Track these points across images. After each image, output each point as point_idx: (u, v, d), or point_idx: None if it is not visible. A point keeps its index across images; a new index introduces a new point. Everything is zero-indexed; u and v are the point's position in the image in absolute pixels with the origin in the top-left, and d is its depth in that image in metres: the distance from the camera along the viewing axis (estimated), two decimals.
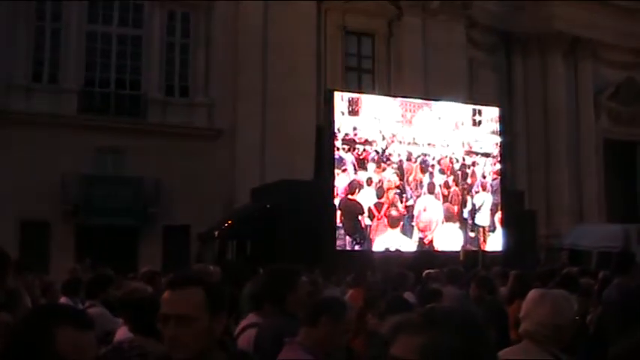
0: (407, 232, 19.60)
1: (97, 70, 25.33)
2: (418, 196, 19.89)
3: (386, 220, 19.31)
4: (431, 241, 19.91)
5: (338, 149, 18.95)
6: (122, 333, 4.86)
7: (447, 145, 20.51)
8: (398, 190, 19.61)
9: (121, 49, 25.66)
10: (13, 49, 23.90)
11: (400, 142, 19.80)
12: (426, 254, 18.85)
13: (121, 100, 25.33)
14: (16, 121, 23.25)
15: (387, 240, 19.19)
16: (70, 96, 24.62)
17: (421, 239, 19.75)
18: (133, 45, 25.84)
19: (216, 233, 21.74)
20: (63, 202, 23.54)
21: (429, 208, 19.97)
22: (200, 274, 3.07)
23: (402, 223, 19.53)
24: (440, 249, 19.81)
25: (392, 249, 18.95)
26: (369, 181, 19.19)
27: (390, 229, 19.33)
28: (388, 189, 19.42)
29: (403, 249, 19.14)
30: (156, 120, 25.35)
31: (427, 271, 11.14)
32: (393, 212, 19.46)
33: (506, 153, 22.73)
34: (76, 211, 23.71)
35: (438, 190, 20.16)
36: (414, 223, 19.68)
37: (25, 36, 24.44)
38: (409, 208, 19.68)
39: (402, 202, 19.62)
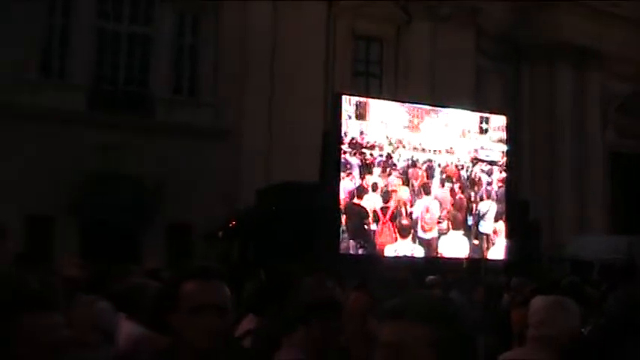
0: (414, 237, 19.59)
1: (107, 68, 25.37)
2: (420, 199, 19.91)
3: (396, 229, 19.27)
4: (434, 244, 19.87)
5: (344, 153, 18.93)
6: (128, 328, 4.85)
7: (454, 152, 20.48)
8: (403, 197, 19.58)
9: (131, 47, 25.69)
10: (23, 44, 23.90)
11: (407, 148, 19.78)
12: (432, 261, 18.86)
13: (130, 99, 25.35)
14: (24, 115, 23.26)
15: (398, 248, 19.20)
16: (79, 92, 24.65)
17: (423, 240, 19.70)
18: (142, 44, 25.88)
19: (220, 234, 21.74)
20: (69, 199, 23.52)
21: (431, 209, 19.96)
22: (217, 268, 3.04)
23: (412, 231, 19.52)
24: (445, 255, 19.81)
25: (400, 255, 18.99)
26: (375, 186, 19.17)
27: (400, 239, 19.32)
28: (393, 192, 19.40)
29: (413, 255, 19.19)
30: (163, 118, 25.36)
31: (429, 277, 11.15)
32: (404, 222, 19.44)
33: (512, 162, 22.68)
34: (81, 208, 23.70)
35: (437, 191, 20.12)
36: (418, 227, 19.66)
37: (35, 31, 24.42)
38: (412, 214, 19.66)
39: (406, 208, 19.59)
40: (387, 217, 19.22)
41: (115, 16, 25.63)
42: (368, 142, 19.22)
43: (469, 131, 20.87)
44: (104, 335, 5.75)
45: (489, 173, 21.02)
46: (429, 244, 19.79)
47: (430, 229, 19.85)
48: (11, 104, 23.23)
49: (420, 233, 19.70)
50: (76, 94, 24.58)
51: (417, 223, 19.67)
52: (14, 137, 22.82)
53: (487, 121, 21.37)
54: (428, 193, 19.97)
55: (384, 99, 21.91)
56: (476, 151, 20.87)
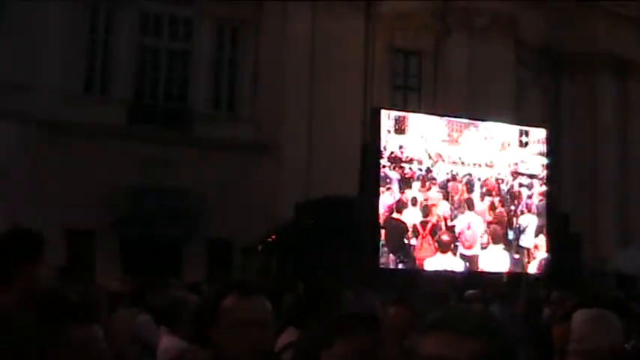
0: (454, 252, 19.49)
1: (147, 83, 25.66)
2: (461, 214, 19.78)
3: (436, 243, 19.18)
4: (475, 260, 19.74)
5: (383, 167, 18.90)
6: (167, 342, 4.88)
7: (493, 166, 20.35)
8: (443, 210, 19.49)
9: (171, 62, 25.97)
10: (65, 60, 24.24)
11: (446, 162, 19.70)
12: (471, 275, 18.74)
13: (169, 113, 25.57)
14: (66, 130, 23.54)
15: (438, 263, 19.09)
16: (120, 107, 24.93)
17: (465, 256, 19.59)
18: (182, 59, 26.14)
19: (260, 247, 21.78)
20: (109, 212, 23.74)
21: (472, 226, 19.83)
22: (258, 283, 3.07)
23: (452, 246, 19.42)
24: (485, 270, 19.67)
25: (440, 269, 18.90)
26: (414, 201, 19.11)
27: (439, 254, 19.22)
28: (432, 206, 19.33)
29: (452, 269, 19.08)
30: (202, 133, 25.51)
31: (469, 291, 11.08)
32: (444, 237, 19.34)
33: (553, 175, 22.48)
34: (122, 222, 23.90)
35: (478, 206, 20.00)
36: (458, 243, 19.56)
37: (78, 48, 24.79)
38: (453, 228, 19.55)
39: (446, 222, 19.49)
40: (427, 231, 19.14)
41: (155, 32, 25.95)
42: (407, 157, 19.19)
43: (509, 144, 20.74)
44: (144, 348, 5.80)
45: (530, 187, 20.87)
46: (469, 259, 19.66)
47: (471, 246, 19.73)
48: (54, 119, 23.52)
49: (462, 249, 19.59)
50: (117, 109, 24.86)
51: (457, 239, 19.56)
52: (56, 152, 23.09)
53: (527, 134, 21.25)
54: (471, 208, 19.85)
55: (422, 113, 21.86)
56: (516, 164, 20.74)
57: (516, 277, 19.73)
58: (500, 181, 20.38)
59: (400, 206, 18.95)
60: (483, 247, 19.88)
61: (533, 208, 20.88)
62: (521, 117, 26.16)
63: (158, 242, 23.67)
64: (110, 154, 23.49)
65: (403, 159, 19.16)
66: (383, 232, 18.68)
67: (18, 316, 1.72)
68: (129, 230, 23.94)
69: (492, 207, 20.17)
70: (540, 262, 20.73)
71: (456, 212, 19.69)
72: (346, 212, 18.49)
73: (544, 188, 21.20)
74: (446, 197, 19.59)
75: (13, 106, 22.99)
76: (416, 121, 19.83)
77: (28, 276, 3.18)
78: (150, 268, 16.95)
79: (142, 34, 25.76)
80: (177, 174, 24.24)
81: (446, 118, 20.68)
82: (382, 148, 18.98)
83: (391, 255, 18.75)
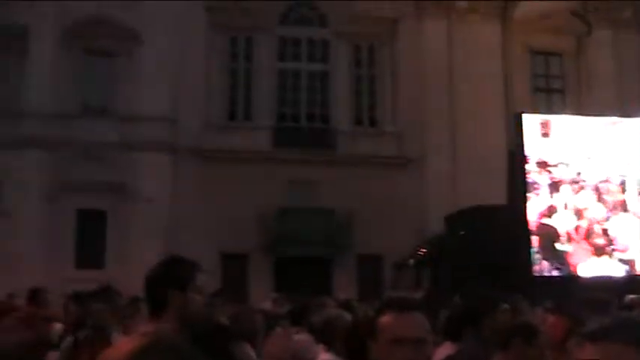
0: (611, 255, 18.77)
1: (289, 106, 26.18)
2: (615, 216, 19.04)
3: (591, 248, 18.55)
4: (634, 263, 18.95)
5: (530, 172, 18.49)
6: (324, 359, 4.93)
7: None
8: (596, 214, 18.84)
9: (310, 84, 26.39)
10: (209, 89, 25.07)
11: (596, 163, 19.05)
12: (631, 279, 18.00)
13: (313, 134, 25.95)
14: (214, 157, 24.32)
15: (593, 267, 18.44)
16: (264, 132, 25.52)
17: (623, 260, 18.84)
18: (321, 80, 26.52)
19: (411, 261, 21.72)
20: (260, 234, 24.28)
21: (628, 228, 19.04)
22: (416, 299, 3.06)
23: (608, 249, 18.72)
24: None
25: (597, 274, 18.23)
26: (565, 205, 18.58)
27: (594, 258, 18.56)
28: (584, 209, 18.72)
29: (611, 274, 18.37)
30: (346, 151, 25.74)
31: (631, 296, 10.64)
32: (598, 240, 18.67)
33: None
34: (273, 243, 24.38)
35: (633, 207, 19.17)
36: (614, 246, 18.84)
37: (220, 76, 25.60)
38: (608, 231, 18.85)
39: (600, 225, 18.82)
40: (580, 236, 18.55)
41: (293, 56, 26.48)
42: (555, 160, 18.69)
43: None
44: None
45: None
46: (627, 263, 18.90)
47: (628, 249, 18.96)
48: (202, 148, 24.34)
49: (618, 253, 18.84)
50: (261, 134, 25.45)
51: (612, 242, 18.84)
52: (206, 179, 23.84)
53: None
54: (625, 209, 19.09)
55: (567, 114, 21.25)
56: None
57: None
58: None
59: (551, 211, 18.47)
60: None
61: None
62: None
63: (308, 261, 24.01)
64: (257, 178, 24.06)
65: (550, 163, 18.67)
66: (535, 238, 18.24)
67: (178, 343, 1.79)
68: (280, 251, 24.40)
69: None
70: None
71: (609, 214, 18.98)
72: (496, 221, 18.18)
73: None
74: (599, 199, 18.94)
75: (162, 138, 23.96)
76: (560, 123, 19.30)
77: (182, 303, 3.30)
78: (302, 286, 17.20)
79: (280, 59, 26.35)
80: (323, 192, 24.57)
81: (592, 117, 20.04)
82: (528, 154, 18.57)
83: (545, 262, 18.26)
